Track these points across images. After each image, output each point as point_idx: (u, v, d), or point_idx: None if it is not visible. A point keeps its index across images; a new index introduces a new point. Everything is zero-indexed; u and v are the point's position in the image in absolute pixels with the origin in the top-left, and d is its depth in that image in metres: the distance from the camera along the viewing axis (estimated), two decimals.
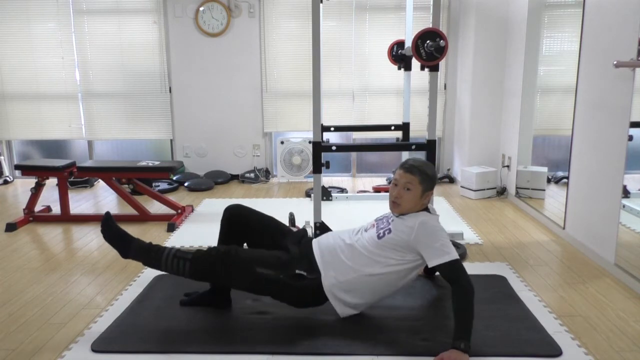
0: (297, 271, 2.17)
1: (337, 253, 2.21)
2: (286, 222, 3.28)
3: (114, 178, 3.95)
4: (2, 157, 5.49)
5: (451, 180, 5.28)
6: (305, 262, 2.22)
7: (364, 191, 4.90)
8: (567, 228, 3.37)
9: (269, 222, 2.42)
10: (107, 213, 2.25)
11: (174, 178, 5.20)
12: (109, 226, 2.21)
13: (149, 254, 2.19)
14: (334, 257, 2.20)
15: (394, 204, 2.23)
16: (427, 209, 2.27)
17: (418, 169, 2.21)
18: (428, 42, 2.94)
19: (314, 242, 2.31)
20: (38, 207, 4.06)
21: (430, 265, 2.08)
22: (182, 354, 2.03)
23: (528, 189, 4.20)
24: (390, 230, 2.18)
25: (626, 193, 2.76)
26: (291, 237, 2.37)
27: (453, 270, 2.04)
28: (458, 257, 2.06)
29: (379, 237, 2.18)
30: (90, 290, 2.68)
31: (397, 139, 4.53)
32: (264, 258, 2.20)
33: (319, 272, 2.18)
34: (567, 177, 3.36)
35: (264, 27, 5.18)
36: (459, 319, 1.95)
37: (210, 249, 2.21)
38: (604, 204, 2.89)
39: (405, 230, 2.14)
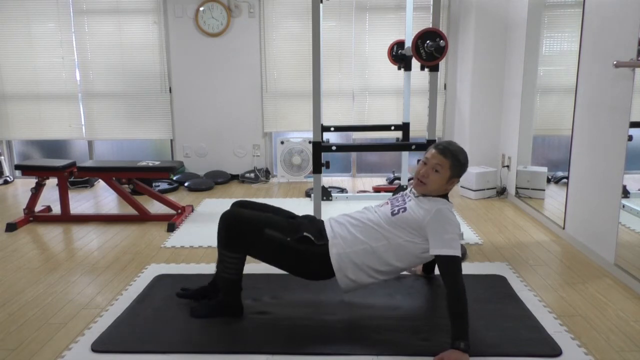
0: (304, 233, 2.17)
1: (346, 226, 2.22)
2: None
3: (114, 178, 3.95)
4: (2, 157, 5.49)
5: None
6: (315, 230, 2.22)
7: (364, 191, 4.90)
8: (567, 228, 3.37)
9: (273, 211, 2.42)
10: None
11: (174, 178, 5.20)
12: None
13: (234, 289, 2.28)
14: (343, 229, 2.21)
15: (419, 183, 2.21)
16: (446, 196, 2.26)
17: (452, 153, 2.20)
18: (428, 42, 2.94)
19: (326, 219, 2.33)
20: (38, 207, 4.06)
21: (431, 252, 2.08)
22: (182, 354, 2.03)
23: (528, 189, 4.20)
24: (405, 209, 2.16)
25: (626, 193, 2.77)
26: (300, 217, 2.41)
27: (451, 265, 2.03)
28: (460, 255, 2.05)
29: (392, 214, 2.17)
30: (90, 290, 2.68)
31: (397, 139, 4.53)
32: (274, 221, 2.21)
33: (327, 239, 2.18)
34: (567, 177, 3.36)
35: (264, 27, 5.18)
36: (456, 318, 1.94)
37: (223, 214, 2.23)
38: (604, 204, 2.89)
39: (421, 212, 2.12)
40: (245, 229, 2.17)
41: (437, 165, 2.18)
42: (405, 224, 2.14)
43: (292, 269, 2.23)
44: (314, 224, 2.30)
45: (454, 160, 2.19)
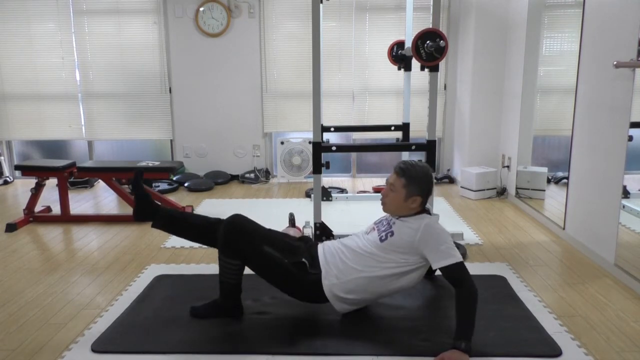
0: (302, 259, 2.18)
1: (338, 255, 2.22)
2: (286, 222, 3.28)
3: (114, 178, 3.95)
4: (2, 158, 5.49)
5: (451, 180, 5.28)
6: (309, 257, 2.23)
7: (364, 191, 4.90)
8: (567, 228, 3.37)
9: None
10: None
11: (174, 178, 5.20)
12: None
13: None
14: (335, 259, 2.21)
15: (381, 202, 2.28)
16: (427, 212, 2.27)
17: (405, 171, 2.20)
18: (428, 42, 2.94)
19: (319, 245, 2.33)
20: (38, 208, 4.06)
21: (434, 267, 2.08)
22: (182, 354, 2.03)
23: (528, 189, 4.20)
24: (392, 233, 2.17)
25: (626, 193, 2.76)
26: (297, 239, 2.41)
27: (458, 272, 2.04)
28: (462, 259, 2.06)
29: (381, 240, 2.18)
30: (90, 290, 2.68)
31: (397, 139, 4.53)
32: (274, 239, 2.22)
33: (320, 270, 2.19)
34: (567, 177, 3.36)
35: (264, 27, 5.18)
36: (462, 320, 1.95)
37: (225, 221, 2.22)
38: (604, 204, 2.89)
39: (409, 232, 2.13)
40: (244, 241, 2.17)
41: (391, 184, 2.23)
42: (396, 247, 2.15)
43: (285, 288, 2.24)
44: (310, 249, 2.30)
45: (408, 178, 2.19)
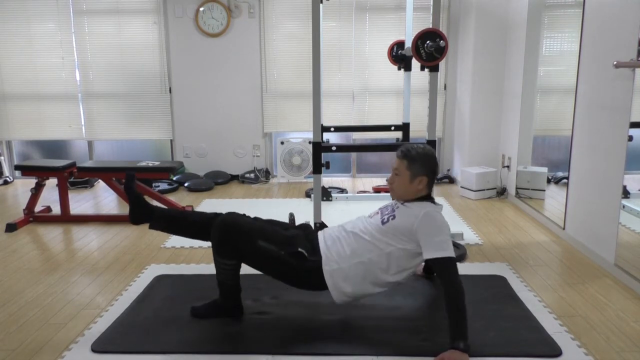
0: (299, 249, 2.17)
1: (339, 240, 2.22)
2: (286, 222, 3.28)
3: (114, 178, 3.95)
4: (2, 157, 5.49)
5: (451, 180, 5.28)
6: (308, 244, 2.22)
7: (364, 191, 4.90)
8: (567, 228, 3.37)
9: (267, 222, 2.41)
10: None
11: (174, 178, 5.20)
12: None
13: None
14: (336, 244, 2.20)
15: (389, 189, 2.29)
16: (431, 199, 2.27)
17: (405, 153, 2.22)
18: (428, 42, 2.94)
19: (320, 232, 2.32)
20: (38, 208, 4.06)
21: (425, 257, 2.08)
22: (182, 354, 2.03)
23: (528, 189, 4.20)
24: (394, 217, 2.18)
25: (626, 193, 2.76)
26: (295, 227, 2.41)
27: (447, 267, 2.03)
28: (454, 256, 2.05)
29: (382, 223, 2.18)
30: (90, 290, 2.68)
31: (397, 139, 4.53)
32: (268, 232, 2.21)
33: (321, 256, 2.18)
34: (567, 177, 3.36)
35: (264, 27, 5.18)
36: (454, 319, 1.94)
37: (217, 221, 2.21)
38: (604, 204, 2.89)
39: (410, 218, 2.13)
40: (237, 239, 2.16)
41: (395, 169, 2.24)
42: (397, 231, 2.15)
43: (285, 280, 2.23)
44: (309, 236, 2.29)
45: (410, 159, 2.21)
